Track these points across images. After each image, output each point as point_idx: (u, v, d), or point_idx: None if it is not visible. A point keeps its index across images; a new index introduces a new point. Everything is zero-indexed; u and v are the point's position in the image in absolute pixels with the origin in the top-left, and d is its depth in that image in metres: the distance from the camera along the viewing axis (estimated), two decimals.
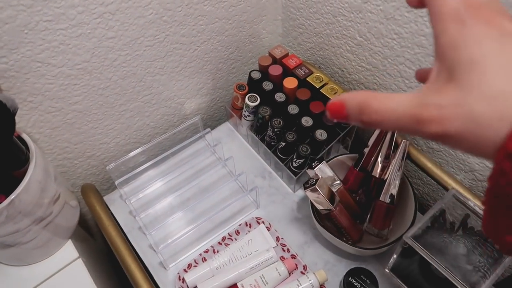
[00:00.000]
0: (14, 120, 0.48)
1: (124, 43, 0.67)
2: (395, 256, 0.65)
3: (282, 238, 0.71)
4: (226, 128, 0.90)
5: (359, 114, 0.24)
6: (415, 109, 0.22)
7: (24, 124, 0.65)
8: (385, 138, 0.70)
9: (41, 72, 0.60)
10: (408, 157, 0.70)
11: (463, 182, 0.71)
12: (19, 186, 0.53)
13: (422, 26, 0.61)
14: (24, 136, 0.58)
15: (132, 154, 0.76)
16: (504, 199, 0.20)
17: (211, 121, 0.98)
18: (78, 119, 0.71)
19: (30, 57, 0.58)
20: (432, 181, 0.79)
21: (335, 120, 0.26)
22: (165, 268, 0.70)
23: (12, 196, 0.52)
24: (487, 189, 0.21)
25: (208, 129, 0.80)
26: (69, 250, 0.66)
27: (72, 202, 0.68)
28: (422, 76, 0.29)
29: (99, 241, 0.97)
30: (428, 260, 0.56)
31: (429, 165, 0.69)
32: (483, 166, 0.66)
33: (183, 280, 0.67)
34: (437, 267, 0.55)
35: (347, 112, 0.24)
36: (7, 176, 0.55)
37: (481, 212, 0.60)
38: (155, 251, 0.71)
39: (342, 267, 0.69)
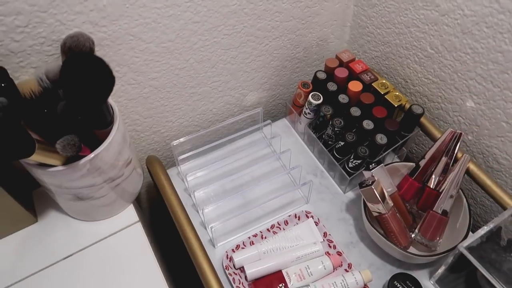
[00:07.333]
0: (113, 77, 0.52)
1: (206, 28, 0.71)
2: (443, 267, 0.65)
3: (330, 234, 0.73)
4: (282, 124, 0.93)
5: None
6: None
7: None
8: (446, 151, 0.70)
9: (132, 45, 0.66)
10: (466, 172, 0.70)
11: None
12: (102, 144, 0.58)
13: (500, 42, 0.61)
14: (109, 100, 0.63)
15: (195, 135, 0.80)
16: None
17: (268, 117, 1.01)
18: (152, 94, 0.76)
19: (126, 30, 0.63)
20: (486, 201, 0.78)
21: None
22: (213, 246, 0.73)
23: (97, 151, 0.56)
24: None
25: (269, 121, 0.83)
26: (130, 213, 0.70)
27: (139, 170, 0.72)
28: None
29: (146, 216, 1.02)
30: (483, 273, 0.56)
31: (488, 182, 0.68)
32: None
33: (231, 259, 0.69)
34: (491, 281, 0.55)
35: None
36: (90, 133, 0.60)
37: None
38: (205, 228, 0.74)
39: (386, 272, 0.70)
